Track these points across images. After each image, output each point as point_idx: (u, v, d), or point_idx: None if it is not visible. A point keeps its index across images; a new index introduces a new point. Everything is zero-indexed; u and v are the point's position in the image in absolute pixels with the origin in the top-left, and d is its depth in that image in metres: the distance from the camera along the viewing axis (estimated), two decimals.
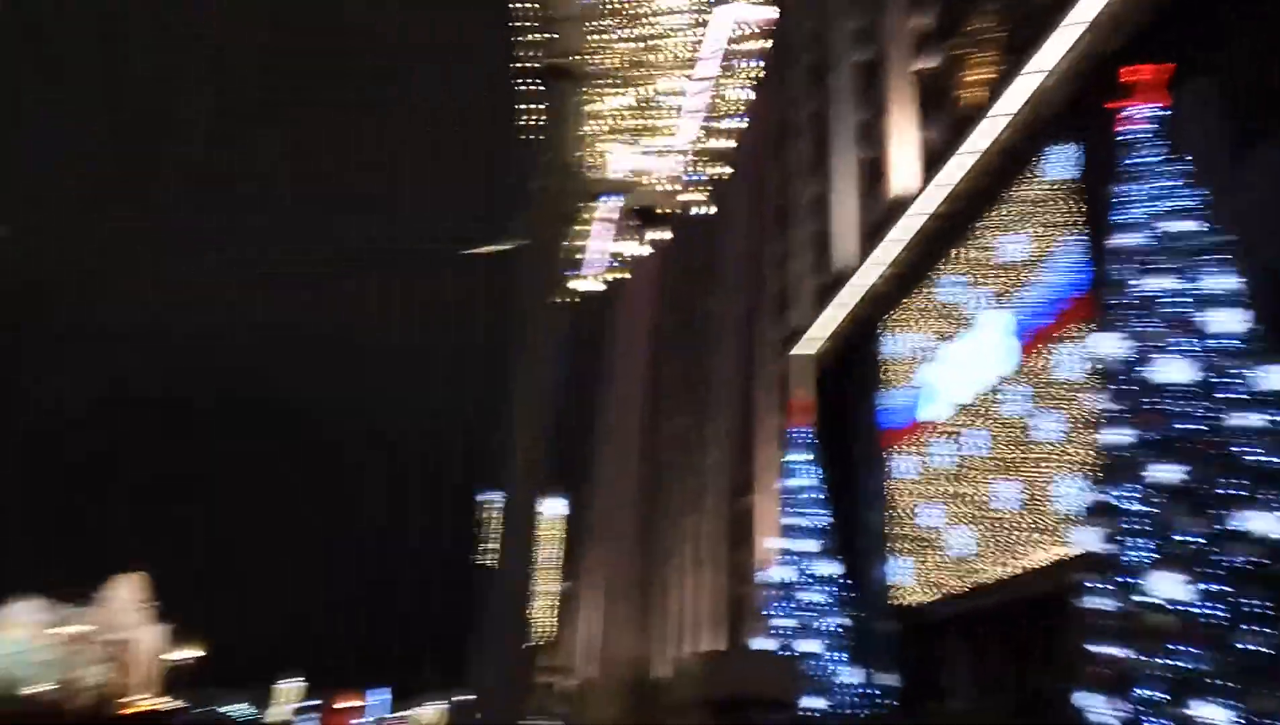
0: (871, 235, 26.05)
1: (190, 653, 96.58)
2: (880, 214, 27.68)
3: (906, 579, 21.75)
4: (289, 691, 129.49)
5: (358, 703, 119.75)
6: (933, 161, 23.36)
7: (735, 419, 46.91)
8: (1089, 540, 10.55)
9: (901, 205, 23.28)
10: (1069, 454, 15.75)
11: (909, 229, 22.27)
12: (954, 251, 20.31)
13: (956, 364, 19.97)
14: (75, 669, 73.00)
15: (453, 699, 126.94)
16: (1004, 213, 18.46)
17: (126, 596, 79.54)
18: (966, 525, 19.26)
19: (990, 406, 18.46)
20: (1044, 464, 16.51)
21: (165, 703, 76.53)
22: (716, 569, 46.69)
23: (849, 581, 24.27)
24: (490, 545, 59.33)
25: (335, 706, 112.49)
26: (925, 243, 21.75)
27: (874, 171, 29.19)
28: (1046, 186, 17.11)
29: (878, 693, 21.90)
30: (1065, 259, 16.14)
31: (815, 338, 28.58)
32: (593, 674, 57.93)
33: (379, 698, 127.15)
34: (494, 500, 63.91)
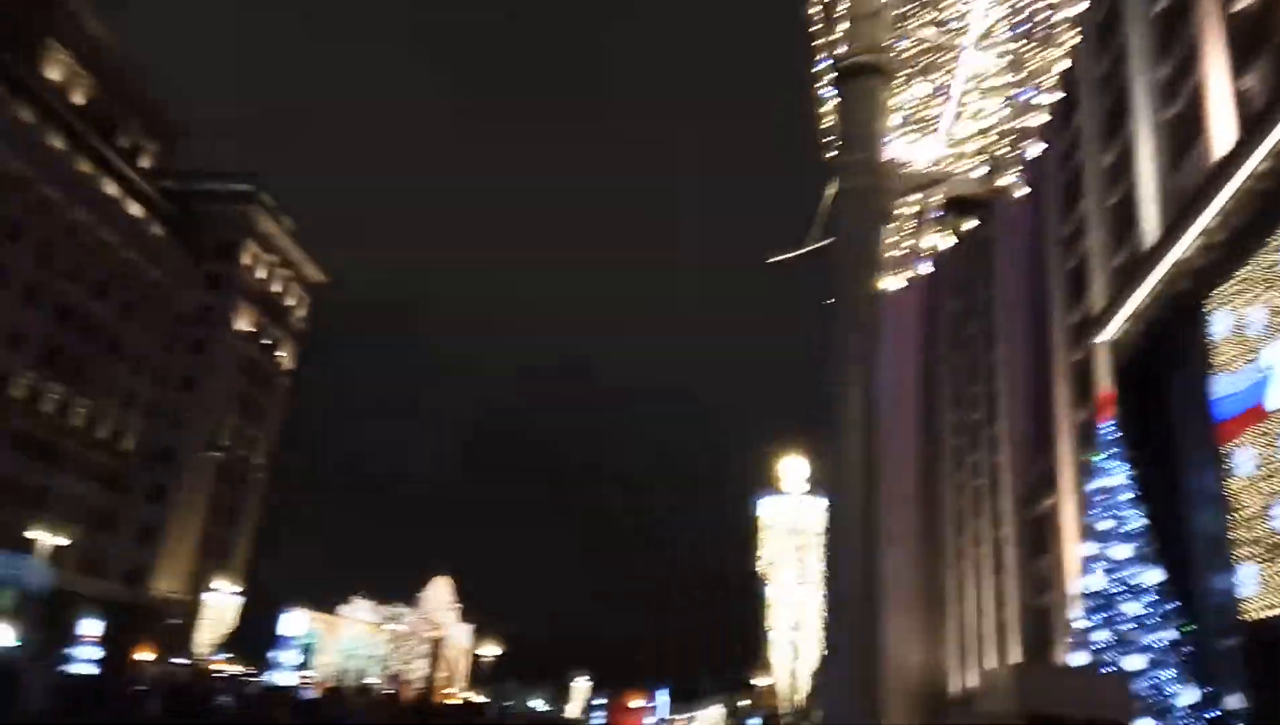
0: (1184, 203, 23.11)
1: (493, 649, 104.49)
2: (1194, 178, 24.55)
3: (1252, 589, 18.90)
4: (581, 688, 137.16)
5: (646, 702, 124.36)
6: (1257, 114, 20.33)
7: (1025, 414, 43.58)
8: None
9: (1226, 167, 20.45)
10: None
11: (1231, 192, 19.48)
12: None
13: None
14: (401, 662, 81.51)
15: (731, 702, 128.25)
16: None
17: (441, 597, 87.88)
18: None
19: None
20: None
21: (476, 696, 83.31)
22: (1011, 576, 43.55)
23: (1174, 591, 21.60)
24: (761, 554, 59.29)
25: (625, 704, 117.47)
26: (1258, 202, 18.89)
27: (1182, 131, 25.99)
28: None
29: (1219, 716, 19.25)
30: None
31: (1118, 322, 25.77)
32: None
33: (661, 698, 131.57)
34: (766, 507, 64.07)
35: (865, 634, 3.62)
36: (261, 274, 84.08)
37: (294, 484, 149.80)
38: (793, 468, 36.14)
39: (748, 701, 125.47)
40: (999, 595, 45.82)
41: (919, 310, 63.92)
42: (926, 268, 7.73)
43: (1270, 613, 18.50)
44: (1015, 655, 42.62)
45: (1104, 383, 30.97)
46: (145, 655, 61.92)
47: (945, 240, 7.42)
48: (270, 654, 68.04)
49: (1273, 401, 18.18)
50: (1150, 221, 26.96)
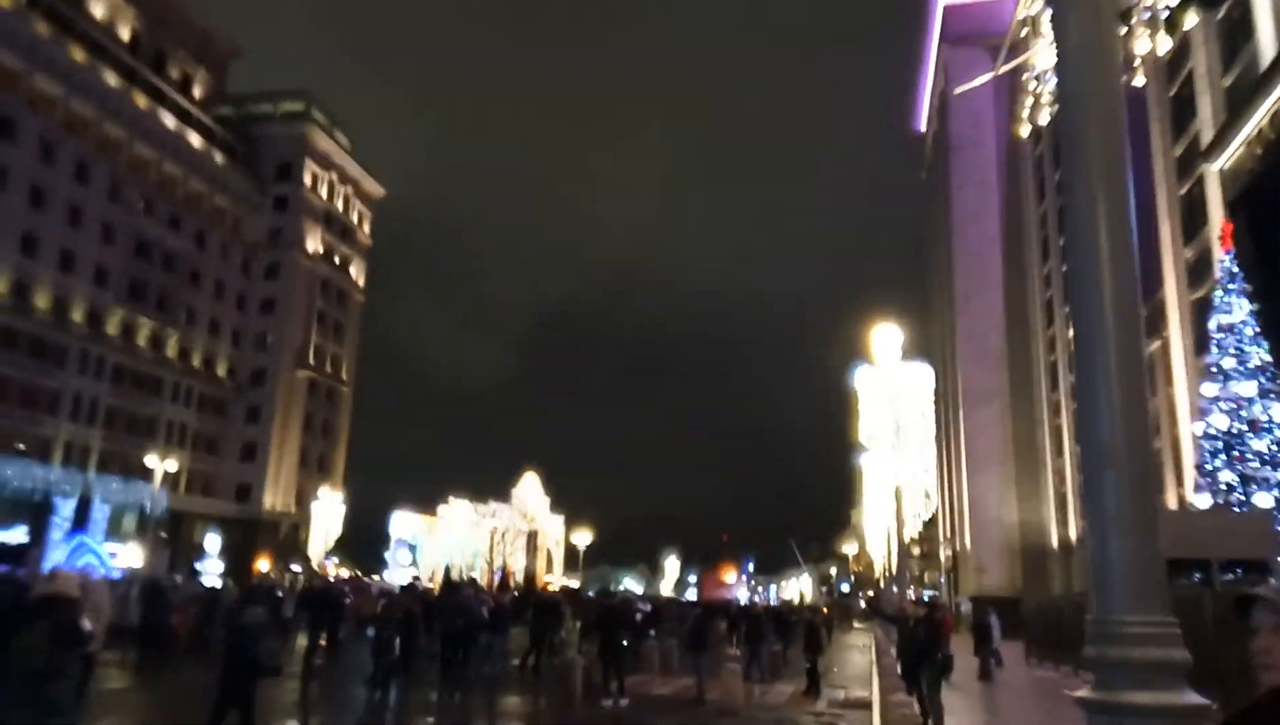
0: None
1: (585, 537, 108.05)
2: None
3: None
4: (672, 566, 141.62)
5: (735, 573, 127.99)
6: None
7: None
8: None
9: None
10: None
11: None
12: None
13: None
14: (501, 555, 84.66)
15: (821, 571, 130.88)
16: None
17: (532, 491, 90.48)
18: None
19: None
20: None
21: (572, 582, 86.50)
22: None
23: None
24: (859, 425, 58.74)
25: (715, 577, 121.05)
26: None
27: None
28: None
29: None
30: None
31: (1235, 146, 23.94)
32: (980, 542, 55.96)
33: (747, 566, 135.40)
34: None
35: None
36: (323, 192, 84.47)
37: (378, 396, 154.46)
38: (886, 337, 35.21)
39: (834, 570, 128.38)
40: None
41: (993, 163, 61.14)
42: (1139, 80, 6.88)
43: None
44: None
45: (1215, 216, 29.18)
46: (263, 564, 65.60)
47: (1163, 43, 6.58)
48: (381, 555, 71.26)
49: None
50: (1267, 35, 24.67)
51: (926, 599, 37.24)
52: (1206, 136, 29.38)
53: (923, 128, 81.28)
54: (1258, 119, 22.60)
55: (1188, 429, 33.35)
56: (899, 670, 10.44)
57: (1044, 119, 7.37)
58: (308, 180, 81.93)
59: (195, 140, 72.99)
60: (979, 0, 62.16)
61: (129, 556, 43.27)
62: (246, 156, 79.23)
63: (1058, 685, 19.69)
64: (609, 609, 14.26)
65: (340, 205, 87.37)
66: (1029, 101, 7.49)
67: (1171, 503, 36.98)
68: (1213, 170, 27.63)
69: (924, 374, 53.89)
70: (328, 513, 75.30)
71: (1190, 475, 33.39)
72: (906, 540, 53.22)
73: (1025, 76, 7.42)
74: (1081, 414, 3.20)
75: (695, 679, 14.38)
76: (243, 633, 7.61)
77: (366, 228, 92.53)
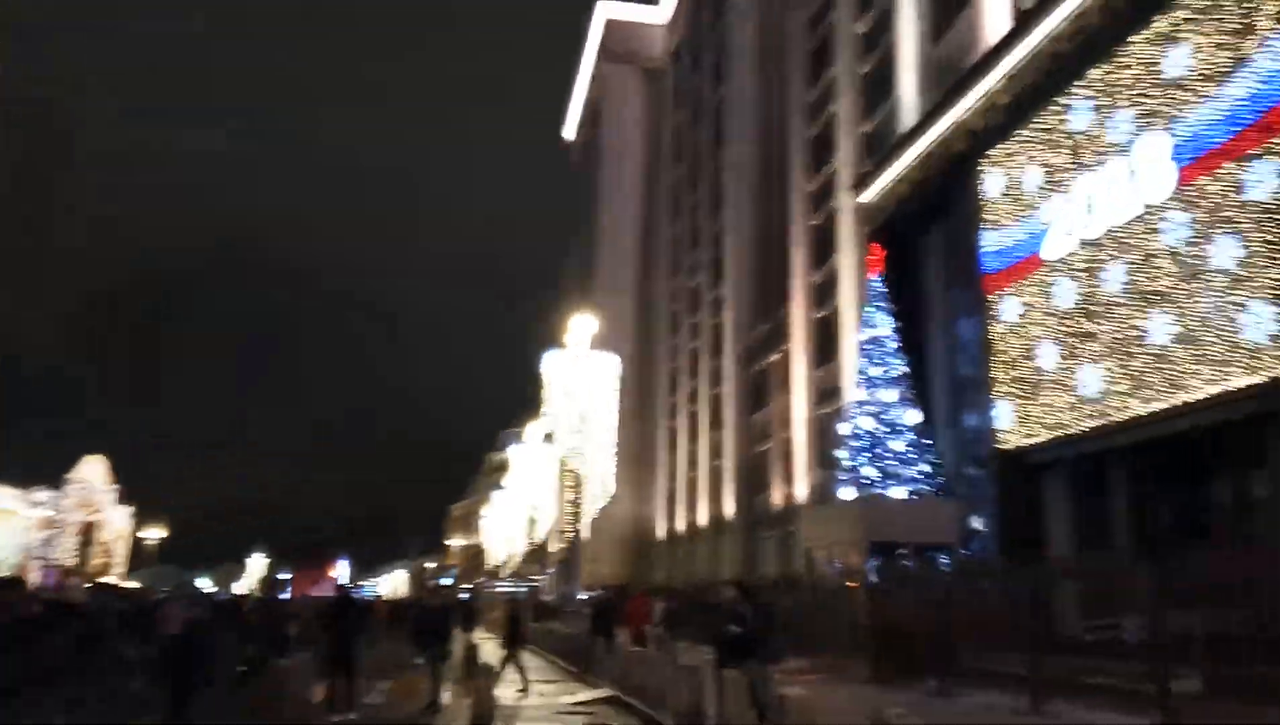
0: (964, 69, 24.38)
1: (157, 532, 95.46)
2: (956, 49, 26.00)
3: (1008, 422, 21.28)
4: (258, 565, 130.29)
5: (329, 572, 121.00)
6: None
7: (752, 277, 45.79)
8: None
9: (1020, 29, 21.61)
10: (1247, 279, 14.96)
11: (1022, 54, 20.74)
12: (1083, 72, 18.86)
13: (1084, 196, 18.87)
14: (49, 549, 71.55)
15: (418, 566, 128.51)
16: (1157, 24, 17.03)
17: (94, 478, 77.48)
18: (1092, 363, 18.60)
19: (1133, 237, 17.49)
20: (1207, 293, 15.72)
21: (132, 580, 75.87)
22: (729, 429, 46.48)
23: (929, 429, 23.90)
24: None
25: (311, 577, 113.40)
26: (1038, 64, 20.25)
27: (944, 4, 27.30)
28: None
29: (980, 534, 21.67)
30: (1253, 68, 14.91)
31: (882, 183, 27.16)
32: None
33: (342, 568, 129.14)
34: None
35: None
36: None
37: None
38: (579, 326, 34.68)
39: (435, 564, 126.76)
40: (714, 446, 48.86)
41: (637, 177, 64.52)
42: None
43: (1025, 442, 20.97)
44: (729, 501, 46.01)
45: (845, 245, 33.03)
46: None
47: None
48: None
49: (1048, 252, 20.08)
50: (909, 89, 28.35)
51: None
52: (843, 175, 33.18)
53: (572, 136, 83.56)
54: (904, 162, 25.83)
55: (801, 433, 37.47)
56: (715, 658, 9.70)
57: None
58: None
59: None
60: (637, 22, 65.29)
61: None
62: None
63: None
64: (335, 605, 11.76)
65: None
66: None
67: (777, 499, 41.36)
68: (848, 204, 31.26)
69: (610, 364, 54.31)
70: None
71: (801, 474, 37.51)
72: (577, 530, 53.91)
73: None
74: None
75: (430, 680, 12.49)
76: None
77: None
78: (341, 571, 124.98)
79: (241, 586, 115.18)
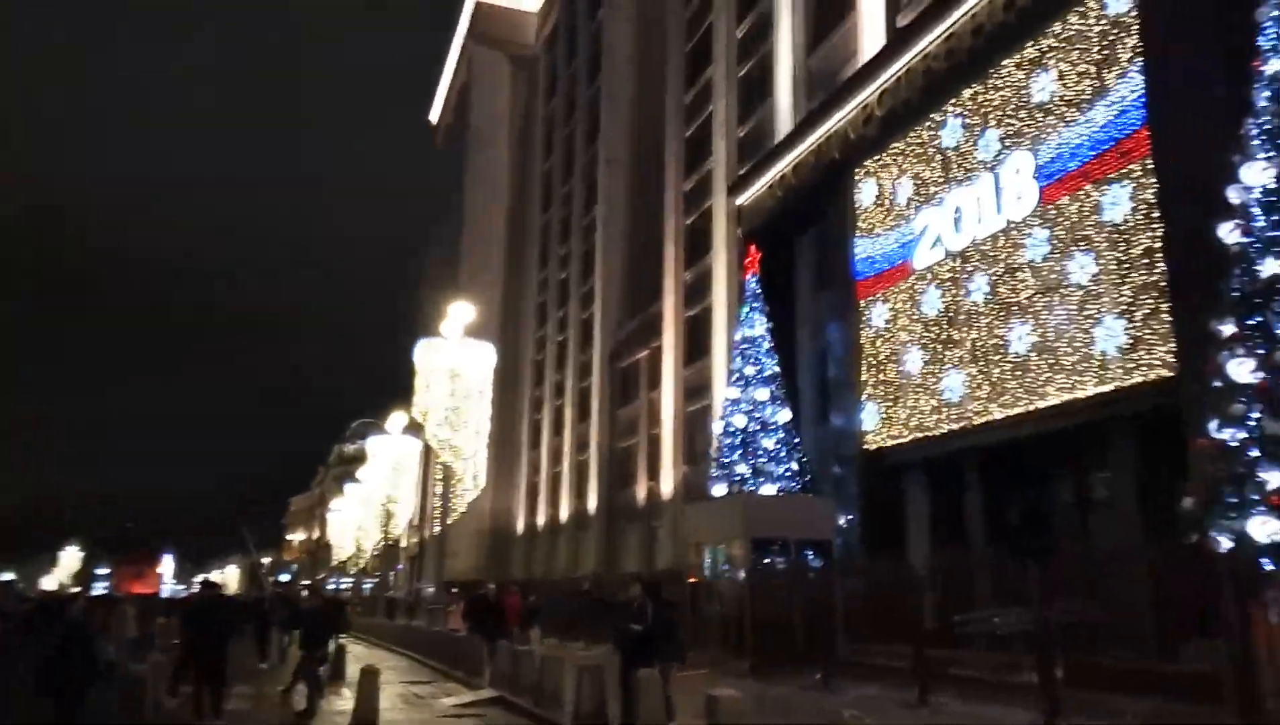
0: (847, 78, 25.13)
1: None
2: (835, 60, 26.79)
3: (873, 423, 22.11)
4: (71, 559, 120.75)
5: (155, 568, 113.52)
6: None
7: (623, 273, 45.84)
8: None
9: (899, 43, 22.41)
10: (1100, 294, 16.06)
11: (900, 67, 21.52)
12: (956, 91, 19.79)
13: (952, 209, 19.81)
14: None
15: (248, 562, 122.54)
16: (1027, 50, 18.05)
17: None
18: (955, 369, 19.55)
19: (997, 250, 18.48)
20: (1063, 306, 16.79)
21: None
22: (594, 423, 46.39)
23: (798, 428, 24.52)
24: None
25: (131, 572, 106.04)
26: (912, 80, 21.11)
27: (824, 16, 28.09)
28: (1087, 19, 16.76)
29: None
30: (1113, 97, 16.02)
31: (759, 186, 27.68)
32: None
33: (166, 563, 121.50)
34: None
35: None
36: None
37: None
38: (458, 315, 33.25)
39: (269, 559, 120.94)
40: (579, 440, 48.65)
41: (505, 164, 63.45)
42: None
43: (889, 443, 21.84)
44: (592, 496, 45.95)
45: (718, 244, 33.50)
46: None
47: None
48: None
49: (920, 261, 20.96)
50: (784, 96, 29.01)
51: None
52: (718, 175, 33.65)
53: (435, 118, 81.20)
54: (781, 167, 26.40)
55: (669, 429, 37.81)
56: (619, 659, 9.51)
57: None
58: None
59: None
60: (509, 7, 64.09)
61: None
62: None
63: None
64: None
65: None
66: None
67: (641, 494, 41.59)
68: (723, 205, 31.73)
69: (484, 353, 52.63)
70: None
71: (668, 470, 37.83)
72: (434, 525, 52.12)
73: None
74: None
75: (309, 688, 11.65)
76: None
77: None
78: (166, 567, 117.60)
79: (52, 582, 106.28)
